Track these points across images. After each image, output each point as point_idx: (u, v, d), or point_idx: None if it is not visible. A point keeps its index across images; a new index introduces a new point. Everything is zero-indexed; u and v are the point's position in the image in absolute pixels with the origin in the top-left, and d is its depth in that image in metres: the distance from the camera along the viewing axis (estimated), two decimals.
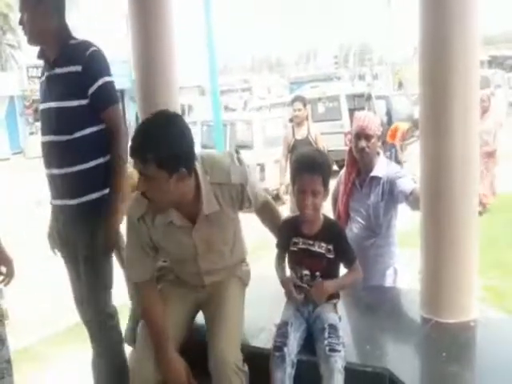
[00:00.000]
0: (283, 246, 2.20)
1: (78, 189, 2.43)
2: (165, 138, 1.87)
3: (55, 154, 2.45)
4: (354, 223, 2.96)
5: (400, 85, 23.52)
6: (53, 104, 2.42)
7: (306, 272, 2.11)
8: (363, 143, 2.82)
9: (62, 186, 2.47)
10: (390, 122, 13.33)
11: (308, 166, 2.06)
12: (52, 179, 2.51)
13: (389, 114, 13.50)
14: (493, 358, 2.04)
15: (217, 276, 2.28)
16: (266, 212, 2.36)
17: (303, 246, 2.11)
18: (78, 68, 2.36)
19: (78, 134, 2.39)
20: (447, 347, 2.08)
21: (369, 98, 12.73)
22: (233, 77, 46.03)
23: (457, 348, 2.10)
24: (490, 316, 2.38)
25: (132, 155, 1.90)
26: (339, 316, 2.13)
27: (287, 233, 2.18)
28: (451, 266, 2.27)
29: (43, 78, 2.52)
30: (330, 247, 2.07)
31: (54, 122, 2.42)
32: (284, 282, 2.17)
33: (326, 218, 2.15)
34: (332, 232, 2.11)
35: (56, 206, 2.56)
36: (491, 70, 24.41)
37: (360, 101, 12.80)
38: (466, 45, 2.17)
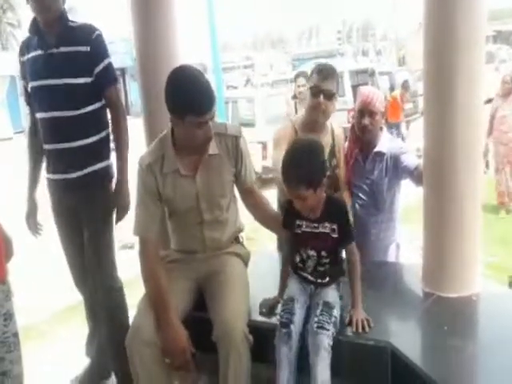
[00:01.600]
0: (287, 228, 2.19)
1: (81, 161, 2.60)
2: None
3: (61, 129, 2.57)
4: (357, 199, 2.93)
5: (403, 60, 23.31)
6: (58, 81, 2.51)
7: (312, 253, 2.10)
8: (366, 120, 2.77)
9: (65, 160, 2.60)
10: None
11: (287, 174, 2.00)
12: (54, 154, 2.62)
13: (392, 89, 13.40)
14: (494, 332, 2.04)
15: (216, 233, 2.35)
16: (253, 197, 2.42)
17: (307, 229, 2.10)
18: (87, 48, 2.54)
19: (83, 110, 2.56)
20: (449, 321, 2.09)
21: (372, 74, 12.64)
22: (235, 54, 45.64)
23: (459, 322, 2.11)
24: (492, 290, 2.38)
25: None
26: (341, 295, 2.12)
27: (291, 215, 2.15)
28: (453, 240, 2.26)
29: (34, 55, 2.55)
30: (335, 227, 2.05)
31: (60, 98, 2.53)
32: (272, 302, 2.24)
33: (329, 198, 2.11)
34: (335, 211, 2.07)
35: (56, 181, 2.65)
36: (496, 45, 24.14)
37: (363, 77, 12.69)
38: (472, 19, 2.13)
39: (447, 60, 2.17)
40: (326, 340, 1.91)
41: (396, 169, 2.79)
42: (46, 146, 2.62)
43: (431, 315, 2.18)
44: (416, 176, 2.66)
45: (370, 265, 2.60)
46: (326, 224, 2.06)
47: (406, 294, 2.37)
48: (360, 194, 2.93)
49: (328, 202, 2.08)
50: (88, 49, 2.53)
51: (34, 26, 2.56)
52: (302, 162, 1.98)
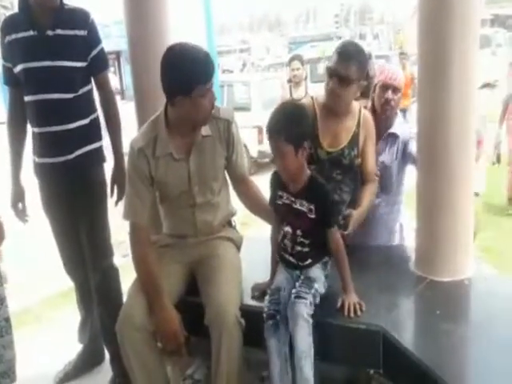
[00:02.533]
0: (271, 199, 2.18)
1: (75, 143, 2.61)
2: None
3: (56, 112, 2.55)
4: None
5: (400, 44, 23.15)
6: (55, 63, 2.49)
7: (288, 229, 2.09)
8: (390, 95, 2.69)
9: (59, 143, 2.58)
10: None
11: (268, 127, 2.00)
12: (47, 137, 2.58)
13: None
14: (486, 316, 2.05)
15: (208, 216, 2.34)
16: (244, 185, 2.42)
17: (286, 201, 2.08)
18: (84, 33, 2.55)
19: (77, 93, 2.58)
20: (441, 305, 2.09)
21: (369, 57, 12.53)
22: (231, 37, 45.31)
23: (451, 306, 2.12)
24: (485, 274, 2.39)
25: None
26: (326, 273, 2.12)
27: (274, 185, 2.15)
28: (446, 224, 2.26)
29: (26, 36, 2.48)
30: (312, 207, 2.02)
31: (56, 81, 2.52)
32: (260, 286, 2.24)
33: (313, 177, 2.08)
34: (315, 192, 2.04)
35: (48, 164, 2.61)
36: (493, 28, 24.01)
37: None
38: (467, 3, 2.10)
39: (441, 44, 2.14)
40: (303, 308, 1.91)
41: (404, 153, 2.76)
42: (37, 129, 2.59)
43: (423, 299, 2.18)
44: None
45: (362, 248, 2.60)
46: (304, 202, 2.03)
47: (399, 278, 2.36)
48: None
49: (311, 181, 2.06)
50: (85, 33, 2.55)
51: (25, 6, 2.51)
52: (288, 114, 2.01)
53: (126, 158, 2.47)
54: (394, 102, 2.72)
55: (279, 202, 2.12)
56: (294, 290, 1.98)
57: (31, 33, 2.48)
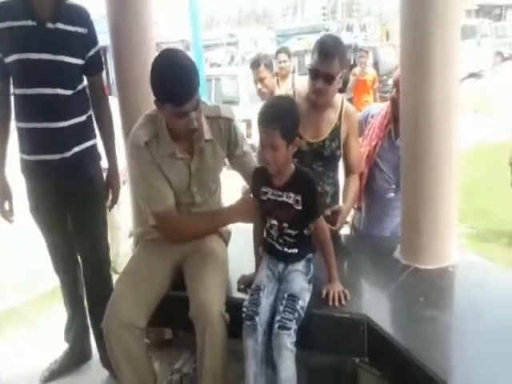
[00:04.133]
0: (255, 196, 2.18)
1: (74, 140, 2.55)
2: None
3: (57, 107, 2.47)
4: (379, 172, 2.87)
5: (387, 36, 23.20)
6: (54, 57, 2.41)
7: (274, 222, 2.08)
8: (395, 93, 2.66)
9: (53, 140, 2.49)
10: (377, 73, 13.20)
11: (263, 118, 1.98)
12: (40, 133, 2.48)
13: (376, 65, 13.35)
14: (469, 302, 2.07)
15: (204, 210, 2.35)
16: (248, 166, 2.36)
17: (272, 197, 2.08)
18: (84, 30, 2.50)
19: (77, 89, 2.53)
20: (425, 292, 2.10)
21: (356, 49, 12.54)
22: (219, 30, 45.11)
23: (435, 293, 2.13)
24: (469, 261, 2.39)
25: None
26: (310, 277, 2.09)
27: (258, 182, 2.15)
28: (430, 211, 2.27)
29: (22, 25, 2.37)
30: (298, 198, 2.02)
31: (54, 75, 2.44)
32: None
33: (298, 169, 2.08)
34: (302, 183, 2.04)
35: (40, 162, 2.52)
36: (478, 19, 24.09)
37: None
38: None
39: (423, 35, 2.14)
40: (287, 340, 1.89)
41: None
42: (29, 125, 2.48)
43: (408, 287, 2.19)
44: None
45: (346, 237, 2.62)
46: (291, 194, 2.02)
47: (384, 267, 2.37)
48: (384, 168, 2.86)
49: (296, 173, 2.06)
50: (85, 31, 2.50)
51: None
52: (283, 109, 2.00)
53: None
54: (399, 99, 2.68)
55: (264, 198, 2.11)
56: (278, 317, 1.93)
57: (30, 23, 2.37)
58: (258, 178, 2.15)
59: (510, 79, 15.03)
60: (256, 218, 2.21)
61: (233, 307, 2.07)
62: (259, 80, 4.29)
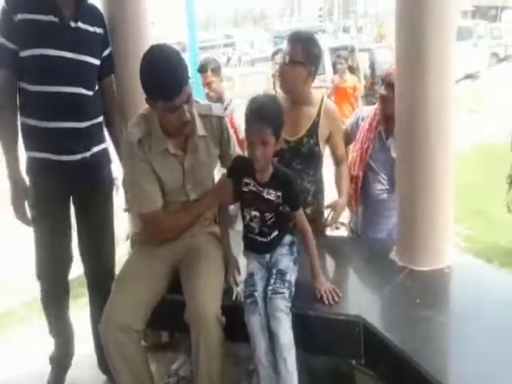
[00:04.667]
0: (234, 183, 2.18)
1: (94, 140, 2.53)
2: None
3: (79, 107, 2.44)
4: (373, 174, 2.88)
5: (383, 37, 23.22)
6: (78, 56, 2.39)
7: (256, 213, 2.11)
8: (385, 91, 2.72)
9: (77, 140, 2.45)
10: (373, 74, 13.25)
11: (255, 116, 2.00)
12: (64, 133, 2.41)
13: (372, 66, 13.41)
14: (465, 303, 2.07)
15: None
16: None
17: (253, 189, 2.11)
18: (101, 31, 2.51)
19: (93, 91, 2.50)
20: (421, 294, 2.10)
21: (352, 50, 12.56)
22: (216, 32, 45.09)
23: (431, 294, 2.13)
24: (465, 262, 2.40)
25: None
26: (294, 259, 2.15)
27: (239, 172, 2.16)
28: (426, 212, 2.27)
29: (45, 20, 2.31)
30: (279, 193, 2.08)
31: (77, 74, 2.40)
32: (232, 263, 2.29)
33: (277, 167, 2.12)
34: (281, 180, 2.09)
35: (63, 162, 2.43)
36: (474, 20, 24.12)
37: (344, 54, 12.60)
38: None
39: (418, 37, 2.15)
40: (281, 302, 1.94)
41: None
42: (45, 124, 2.37)
43: (403, 288, 2.19)
44: None
45: (342, 239, 2.62)
46: (271, 191, 2.08)
47: (380, 268, 2.37)
48: (377, 169, 2.87)
49: (276, 172, 2.10)
50: (102, 31, 2.51)
51: None
52: (272, 106, 2.04)
53: None
54: (391, 96, 2.63)
55: (245, 189, 2.13)
56: (269, 287, 2.01)
57: (52, 18, 2.31)
58: (239, 167, 2.16)
59: (506, 80, 15.08)
60: (232, 198, 2.23)
61: (229, 310, 2.07)
62: (206, 84, 4.25)
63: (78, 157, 2.46)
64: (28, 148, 2.45)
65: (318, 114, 2.66)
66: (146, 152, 2.17)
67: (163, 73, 2.00)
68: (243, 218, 2.18)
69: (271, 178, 2.09)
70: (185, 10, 8.78)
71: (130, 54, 2.73)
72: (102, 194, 2.63)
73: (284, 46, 2.59)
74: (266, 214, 2.11)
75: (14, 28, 2.28)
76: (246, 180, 2.12)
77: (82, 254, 2.68)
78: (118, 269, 2.67)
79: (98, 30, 2.50)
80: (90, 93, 2.48)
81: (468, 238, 4.80)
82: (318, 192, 2.80)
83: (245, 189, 2.13)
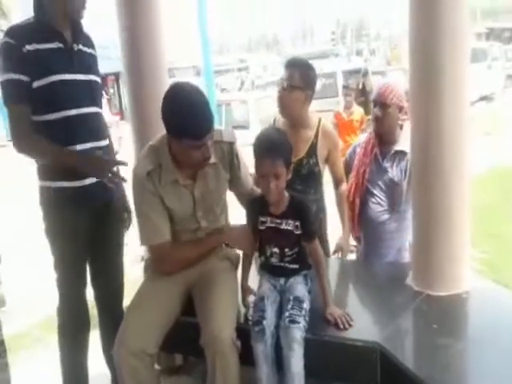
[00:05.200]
0: (251, 226, 2.22)
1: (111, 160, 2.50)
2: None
3: (98, 126, 2.46)
4: (371, 197, 2.87)
5: (397, 60, 23.33)
6: (86, 77, 2.41)
7: (276, 250, 2.14)
8: (377, 111, 2.73)
9: None
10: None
11: (266, 150, 2.04)
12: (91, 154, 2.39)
13: None
14: (484, 329, 2.03)
15: None
16: (248, 194, 2.40)
17: (271, 225, 2.14)
18: (95, 52, 2.54)
19: (101, 109, 2.53)
20: (438, 320, 2.07)
21: (365, 73, 12.64)
22: (230, 56, 45.65)
23: (448, 320, 2.10)
24: (483, 287, 2.37)
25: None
26: (309, 288, 2.16)
27: (254, 212, 2.19)
28: (442, 237, 2.25)
29: (52, 48, 2.32)
30: (298, 224, 2.10)
31: (89, 94, 2.43)
32: (244, 289, 2.30)
33: (292, 196, 2.16)
34: (299, 209, 2.12)
35: (88, 186, 2.39)
36: (489, 42, 24.16)
37: (357, 77, 12.69)
38: (455, 17, 2.12)
39: (432, 59, 2.16)
40: (297, 333, 1.95)
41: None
42: (70, 149, 2.33)
43: (420, 314, 2.16)
44: None
45: (358, 263, 2.60)
46: (290, 221, 2.10)
47: (396, 294, 2.35)
48: (376, 192, 2.85)
49: (292, 200, 2.13)
50: (95, 53, 2.55)
51: (44, 16, 2.33)
52: (280, 138, 2.10)
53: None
54: (384, 117, 2.73)
55: (262, 228, 2.16)
56: (286, 314, 2.01)
57: (58, 44, 2.34)
58: (254, 209, 2.20)
59: None
60: (251, 249, 2.26)
61: (245, 333, 2.06)
62: None
63: (87, 182, 2.41)
64: (46, 178, 2.40)
65: (316, 136, 2.77)
66: (155, 184, 2.19)
67: (195, 115, 2.01)
68: (263, 254, 2.20)
69: (288, 207, 2.12)
70: (198, 34, 8.92)
71: (147, 79, 2.78)
72: (117, 214, 2.62)
73: (281, 75, 2.70)
74: (286, 250, 2.13)
75: (25, 60, 2.25)
76: (262, 219, 2.16)
77: (93, 276, 2.66)
78: (126, 289, 2.67)
79: (94, 52, 2.54)
80: (100, 110, 2.52)
81: (483, 262, 4.72)
82: (320, 211, 2.88)
83: (262, 227, 2.16)
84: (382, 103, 2.71)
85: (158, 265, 2.31)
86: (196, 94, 2.06)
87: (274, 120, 2.93)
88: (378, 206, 2.85)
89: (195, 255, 2.30)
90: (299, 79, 2.65)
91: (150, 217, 2.20)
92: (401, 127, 2.80)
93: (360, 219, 2.91)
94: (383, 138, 2.82)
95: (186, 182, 2.24)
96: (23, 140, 2.30)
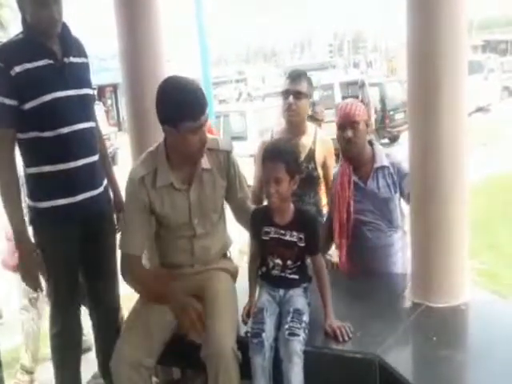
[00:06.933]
0: (255, 236, 2.22)
1: (101, 174, 2.54)
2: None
3: (91, 141, 2.44)
4: (366, 226, 2.68)
5: (394, 71, 23.46)
6: (78, 91, 2.38)
7: (278, 261, 2.14)
8: (349, 133, 2.57)
9: (94, 174, 2.46)
10: (383, 108, 13.33)
11: (270, 154, 2.09)
12: (84, 170, 2.38)
13: (382, 101, 13.50)
14: (483, 341, 2.03)
15: (206, 243, 2.33)
16: (245, 207, 2.40)
17: (275, 236, 2.14)
18: (87, 60, 2.52)
19: (95, 123, 2.52)
20: (438, 331, 2.06)
21: (362, 85, 12.68)
22: (228, 68, 45.88)
23: (447, 332, 2.09)
24: (482, 299, 2.36)
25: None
26: (308, 301, 2.15)
27: (258, 222, 2.19)
28: (440, 250, 2.25)
29: (42, 65, 2.28)
30: (302, 236, 2.10)
31: (82, 109, 2.40)
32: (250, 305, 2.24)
33: (297, 208, 2.18)
34: (304, 221, 2.14)
35: (73, 205, 2.37)
36: (485, 54, 24.36)
37: (354, 88, 12.74)
38: (453, 30, 2.14)
39: (430, 71, 2.17)
40: (297, 346, 1.95)
41: (403, 190, 2.62)
42: (61, 166, 2.32)
43: (419, 326, 2.16)
44: None
45: (357, 275, 2.59)
46: (294, 233, 2.11)
47: (395, 305, 2.35)
48: (369, 219, 2.67)
49: (297, 212, 2.16)
50: (87, 61, 2.52)
51: (31, 32, 2.30)
52: (287, 147, 2.15)
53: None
54: (357, 136, 2.59)
55: (266, 238, 2.16)
56: (286, 326, 2.00)
57: (48, 61, 2.29)
58: (258, 219, 2.20)
59: None
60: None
61: (245, 345, 2.04)
62: None
63: (95, 193, 2.45)
64: (35, 198, 2.38)
65: (314, 142, 2.99)
66: (148, 189, 2.20)
67: (189, 93, 2.08)
68: (265, 265, 2.19)
69: (293, 218, 2.13)
70: (198, 46, 8.97)
71: (147, 90, 2.78)
72: (110, 226, 2.61)
73: (285, 84, 2.92)
74: (289, 262, 2.13)
75: (14, 82, 2.22)
76: (265, 229, 2.16)
77: (87, 290, 2.64)
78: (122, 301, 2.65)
79: (85, 60, 2.50)
80: (94, 125, 2.50)
81: (481, 273, 4.72)
82: (318, 212, 3.02)
83: (265, 237, 2.16)
84: (351, 122, 2.58)
85: (121, 271, 2.32)
86: (187, 80, 2.14)
87: (272, 131, 3.09)
88: (378, 231, 2.68)
89: (149, 291, 2.27)
90: (307, 87, 2.90)
91: (128, 226, 2.26)
92: (370, 143, 2.70)
93: (356, 254, 2.71)
94: (359, 160, 2.67)
95: (181, 187, 2.23)
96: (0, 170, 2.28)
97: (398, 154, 2.83)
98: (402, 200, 2.72)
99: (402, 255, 2.74)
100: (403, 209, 2.75)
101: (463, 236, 2.29)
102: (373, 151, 2.70)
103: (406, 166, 2.60)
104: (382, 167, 2.65)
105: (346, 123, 2.60)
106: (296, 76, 2.91)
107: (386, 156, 2.69)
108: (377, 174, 2.66)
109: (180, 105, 2.06)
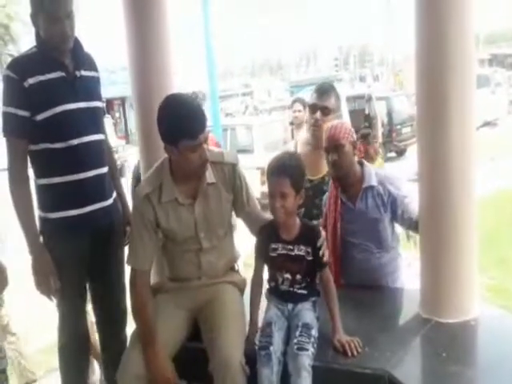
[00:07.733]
0: (261, 253, 2.22)
1: (109, 188, 2.56)
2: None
3: (100, 153, 2.48)
4: (355, 248, 2.64)
5: (401, 85, 23.51)
6: (90, 104, 2.43)
7: (287, 276, 2.14)
8: (334, 156, 2.53)
9: (104, 186, 2.50)
10: (390, 122, 13.35)
11: (275, 169, 2.09)
12: (95, 181, 2.43)
13: (389, 114, 13.53)
14: (493, 357, 2.01)
15: (213, 257, 2.33)
16: (255, 217, 2.38)
17: (283, 252, 2.14)
18: (97, 74, 2.56)
19: (105, 135, 2.56)
20: (447, 347, 2.05)
21: (369, 99, 12.71)
22: (234, 81, 46.13)
23: (457, 348, 2.08)
24: (491, 314, 2.35)
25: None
26: (317, 315, 2.15)
27: (265, 239, 2.20)
28: (450, 265, 2.24)
29: (55, 78, 2.33)
30: (309, 250, 2.11)
31: (93, 121, 2.45)
32: (252, 323, 2.20)
33: (304, 222, 2.19)
34: (310, 235, 2.14)
35: (82, 216, 2.41)
36: (492, 68, 24.37)
37: (361, 102, 12.78)
38: (461, 44, 2.15)
39: (438, 84, 2.18)
40: (306, 360, 1.94)
41: (394, 211, 2.58)
42: (73, 177, 2.37)
43: (429, 341, 2.14)
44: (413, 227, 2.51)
45: (366, 290, 2.58)
46: (302, 247, 2.12)
47: (404, 321, 2.34)
48: (359, 241, 2.63)
49: (303, 226, 2.16)
50: (98, 74, 2.57)
51: (43, 46, 2.35)
52: (292, 161, 2.13)
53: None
54: (342, 159, 2.54)
55: (274, 255, 2.16)
56: (294, 341, 1.99)
57: (60, 74, 2.34)
58: (265, 236, 2.21)
59: None
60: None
61: (252, 359, 2.04)
62: (294, 112, 5.10)
63: (105, 204, 2.49)
64: (46, 209, 2.41)
65: None
66: (153, 205, 2.21)
67: (188, 111, 2.09)
68: (275, 281, 2.19)
69: (299, 233, 2.14)
70: (205, 60, 9.02)
71: (156, 103, 2.78)
72: (119, 237, 2.62)
73: (313, 98, 2.88)
74: (298, 277, 2.13)
75: (27, 94, 2.27)
76: (273, 246, 2.16)
77: (94, 301, 2.66)
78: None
79: (96, 74, 2.54)
80: (104, 137, 2.54)
81: (491, 288, 4.69)
82: None
83: (273, 254, 2.16)
84: (337, 145, 2.53)
85: (129, 285, 2.30)
86: (187, 98, 2.17)
87: (296, 142, 3.07)
88: (368, 253, 2.63)
89: (139, 319, 2.21)
90: (334, 102, 2.89)
91: (135, 241, 2.26)
92: (360, 163, 2.67)
93: (346, 274, 2.67)
94: (347, 182, 2.63)
95: (186, 201, 2.24)
96: (14, 182, 2.35)
97: (396, 171, 2.82)
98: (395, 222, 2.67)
99: (394, 279, 2.70)
100: (396, 231, 2.73)
101: (472, 251, 2.28)
102: (362, 171, 2.65)
103: (401, 184, 2.62)
104: (371, 187, 2.60)
105: (331, 146, 2.55)
106: (324, 91, 2.90)
107: (375, 175, 2.63)
108: (366, 194, 2.61)
109: (178, 124, 2.08)
